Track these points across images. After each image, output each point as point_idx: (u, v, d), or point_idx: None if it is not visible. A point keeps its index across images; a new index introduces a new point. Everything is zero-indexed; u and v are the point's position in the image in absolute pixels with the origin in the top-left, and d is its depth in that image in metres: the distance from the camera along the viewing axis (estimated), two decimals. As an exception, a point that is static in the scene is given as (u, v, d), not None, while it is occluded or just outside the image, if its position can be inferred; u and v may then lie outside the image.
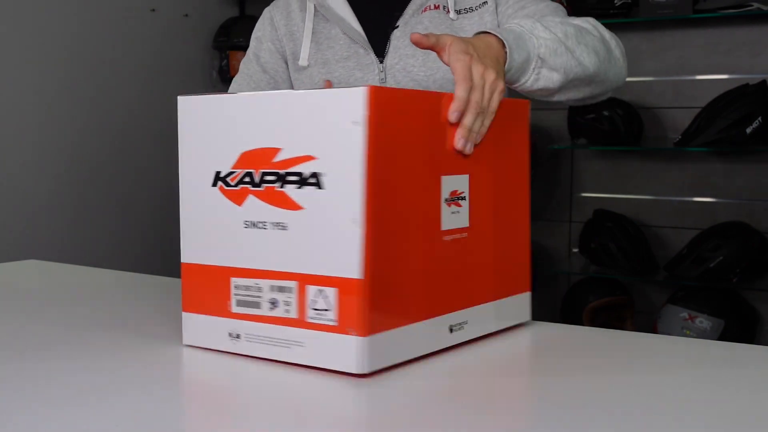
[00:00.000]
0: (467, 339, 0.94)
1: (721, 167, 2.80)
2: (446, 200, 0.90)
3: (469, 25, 1.25)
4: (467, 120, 0.89)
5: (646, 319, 2.86)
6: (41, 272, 1.51)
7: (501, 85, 0.93)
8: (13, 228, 2.48)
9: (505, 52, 1.00)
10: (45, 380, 0.82)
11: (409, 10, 1.27)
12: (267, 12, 1.38)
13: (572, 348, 0.95)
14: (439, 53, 0.95)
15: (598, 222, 2.85)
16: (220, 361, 0.88)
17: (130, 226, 2.90)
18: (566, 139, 2.92)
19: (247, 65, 1.40)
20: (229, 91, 1.33)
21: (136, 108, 2.91)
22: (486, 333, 0.97)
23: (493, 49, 0.99)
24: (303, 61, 1.31)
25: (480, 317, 0.96)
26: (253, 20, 1.43)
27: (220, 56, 3.26)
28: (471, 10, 1.26)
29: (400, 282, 0.83)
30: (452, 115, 0.88)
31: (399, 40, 1.28)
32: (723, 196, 2.80)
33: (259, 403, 0.76)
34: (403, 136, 0.84)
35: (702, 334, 2.55)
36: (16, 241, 2.48)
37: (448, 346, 0.90)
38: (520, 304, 1.03)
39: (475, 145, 0.91)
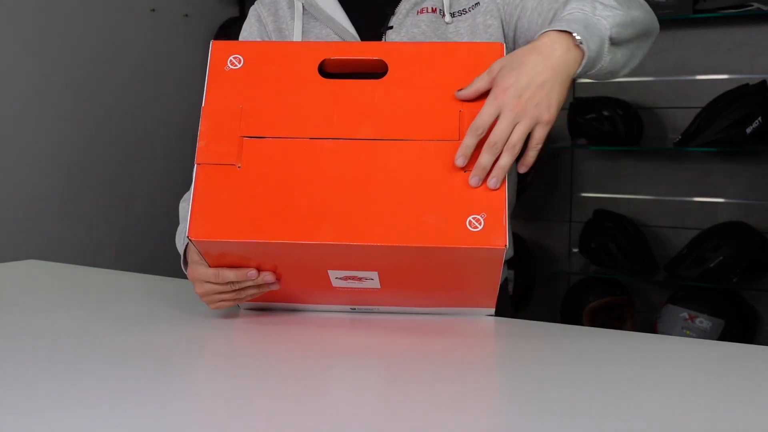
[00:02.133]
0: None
1: (721, 167, 2.80)
2: (338, 278, 0.98)
3: (463, 28, 1.19)
4: (480, 159, 0.91)
5: (646, 319, 2.86)
6: (41, 272, 1.51)
7: (545, 114, 0.93)
8: (13, 228, 2.48)
9: (581, 48, 0.96)
10: (53, 379, 0.82)
11: (402, 9, 1.20)
12: (253, 10, 1.31)
13: (572, 348, 0.95)
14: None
15: (598, 222, 2.85)
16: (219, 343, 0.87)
17: (130, 226, 2.90)
18: (566, 139, 2.93)
19: None
20: None
21: (135, 108, 2.91)
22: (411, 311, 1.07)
23: (556, 52, 0.96)
24: None
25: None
26: (253, 20, 1.42)
27: (220, 56, 3.26)
28: (464, 12, 1.19)
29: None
30: (456, 160, 0.92)
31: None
32: (723, 196, 2.80)
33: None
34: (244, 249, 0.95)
35: (702, 334, 2.55)
36: (16, 241, 2.48)
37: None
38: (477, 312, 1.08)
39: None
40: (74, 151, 2.69)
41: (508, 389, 0.83)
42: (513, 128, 0.92)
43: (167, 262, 2.68)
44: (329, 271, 0.96)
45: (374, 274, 0.96)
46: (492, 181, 0.91)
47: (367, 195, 0.92)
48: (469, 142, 0.92)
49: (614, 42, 1.02)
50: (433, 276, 0.96)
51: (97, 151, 2.77)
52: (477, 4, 1.18)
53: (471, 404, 0.76)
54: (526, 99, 0.92)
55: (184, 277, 1.13)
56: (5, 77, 2.47)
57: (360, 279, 0.97)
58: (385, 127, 0.95)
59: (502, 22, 1.18)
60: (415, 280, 0.97)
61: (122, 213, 2.88)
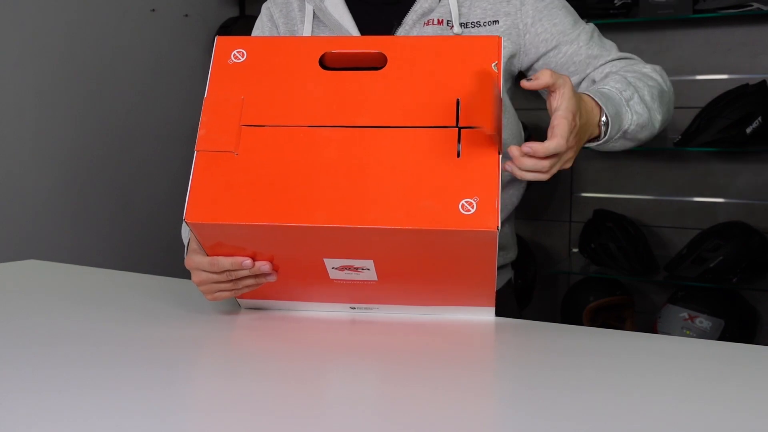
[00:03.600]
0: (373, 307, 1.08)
1: (721, 167, 2.80)
2: (334, 268, 0.98)
3: None
4: (523, 165, 0.94)
5: (646, 319, 2.86)
6: (41, 272, 1.51)
7: (569, 164, 0.99)
8: (13, 228, 2.48)
9: (601, 123, 1.04)
10: (53, 379, 0.82)
11: (409, 20, 1.19)
12: (265, 8, 1.32)
13: (572, 348, 0.95)
14: (551, 92, 0.96)
15: (598, 222, 2.85)
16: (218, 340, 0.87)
17: (130, 226, 2.90)
18: (566, 139, 2.92)
19: None
20: None
21: (136, 108, 2.91)
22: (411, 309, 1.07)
23: (592, 119, 1.03)
24: None
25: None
26: (253, 20, 1.42)
27: (220, 56, 3.25)
28: (478, 25, 1.19)
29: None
30: (522, 159, 0.94)
31: None
32: (723, 196, 2.80)
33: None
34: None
35: (702, 334, 2.55)
36: (16, 241, 2.48)
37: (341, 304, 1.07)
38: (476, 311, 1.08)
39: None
40: (74, 151, 2.69)
41: (508, 389, 0.83)
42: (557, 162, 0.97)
43: (167, 262, 2.68)
44: (325, 260, 0.96)
45: (370, 263, 0.96)
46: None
47: (361, 179, 0.92)
48: (529, 164, 0.94)
49: (627, 137, 1.10)
50: (429, 265, 0.96)
51: (97, 151, 2.77)
52: (495, 21, 1.19)
53: (471, 404, 0.76)
54: (573, 143, 0.97)
55: (185, 276, 1.13)
56: (5, 77, 2.47)
57: (357, 269, 0.97)
58: (383, 115, 0.96)
59: (518, 48, 1.19)
60: (411, 270, 0.97)
61: (122, 213, 2.88)
